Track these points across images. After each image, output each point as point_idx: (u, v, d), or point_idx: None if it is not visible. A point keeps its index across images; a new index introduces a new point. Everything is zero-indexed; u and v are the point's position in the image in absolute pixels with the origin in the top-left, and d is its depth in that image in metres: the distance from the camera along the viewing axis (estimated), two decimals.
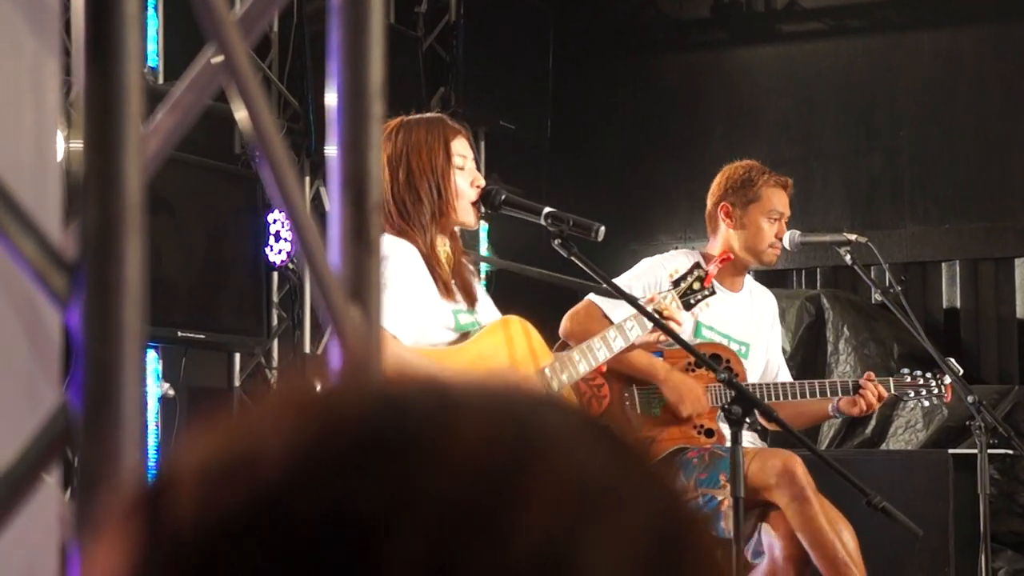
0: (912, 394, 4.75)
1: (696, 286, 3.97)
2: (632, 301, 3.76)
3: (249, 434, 0.61)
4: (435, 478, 0.58)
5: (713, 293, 4.07)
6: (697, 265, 4.02)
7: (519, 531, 0.57)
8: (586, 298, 4.40)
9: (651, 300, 3.87)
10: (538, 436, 0.61)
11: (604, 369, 4.36)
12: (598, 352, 3.82)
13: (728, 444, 4.54)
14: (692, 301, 4.00)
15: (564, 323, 4.36)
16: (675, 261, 4.67)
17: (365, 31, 1.30)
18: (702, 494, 4.29)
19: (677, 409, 4.44)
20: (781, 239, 4.70)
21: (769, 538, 4.32)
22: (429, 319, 3.51)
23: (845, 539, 4.24)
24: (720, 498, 4.26)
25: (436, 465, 0.59)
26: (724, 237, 4.71)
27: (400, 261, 3.47)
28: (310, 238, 1.22)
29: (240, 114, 1.17)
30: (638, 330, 3.85)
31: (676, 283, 3.99)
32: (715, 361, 4.58)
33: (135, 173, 1.02)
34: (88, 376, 0.98)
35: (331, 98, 1.30)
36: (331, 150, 1.31)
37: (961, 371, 4.59)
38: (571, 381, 3.78)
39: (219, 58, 1.13)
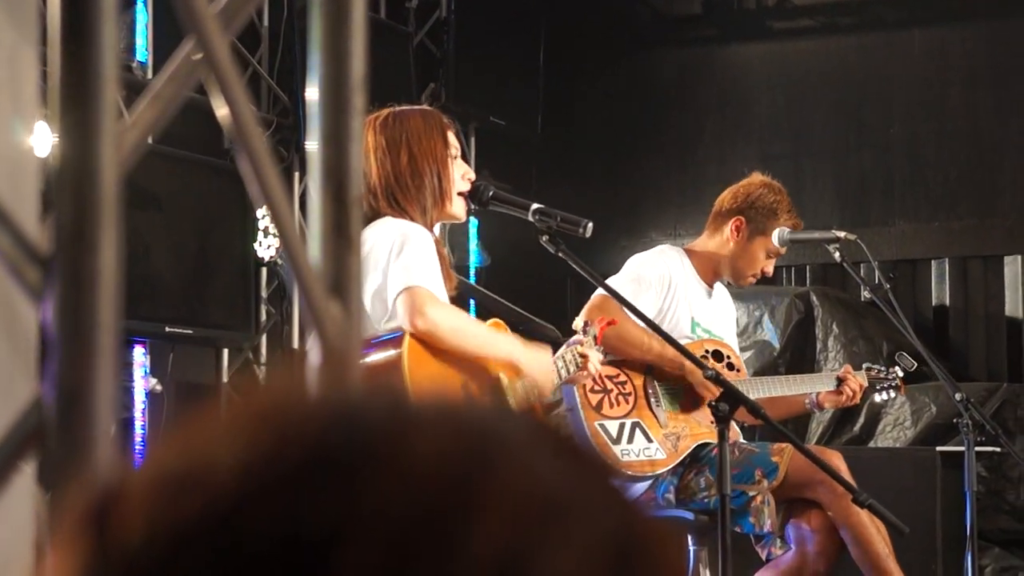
0: (877, 387, 4.88)
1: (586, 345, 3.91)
2: (617, 296, 3.77)
3: (201, 447, 0.61)
4: (387, 492, 0.58)
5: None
6: (586, 326, 3.96)
7: (473, 543, 0.57)
8: (598, 293, 4.38)
9: (581, 343, 3.85)
10: (492, 448, 0.60)
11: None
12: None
13: (750, 441, 4.59)
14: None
15: (582, 316, 4.33)
16: (670, 256, 4.68)
17: (347, 23, 1.29)
18: (732, 489, 4.30)
19: (702, 395, 4.41)
20: (765, 274, 4.73)
21: (801, 532, 4.36)
22: (439, 291, 3.53)
23: (883, 533, 4.31)
24: (753, 494, 4.29)
25: (388, 479, 0.58)
26: (719, 244, 4.70)
27: (423, 239, 3.47)
28: (290, 234, 1.21)
29: (220, 110, 1.16)
30: (574, 366, 3.81)
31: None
32: (717, 358, 4.60)
33: (111, 166, 1.01)
34: (60, 371, 0.97)
35: (312, 91, 1.30)
36: (312, 144, 1.30)
37: (940, 367, 4.62)
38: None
39: (198, 55, 1.12)
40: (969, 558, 4.47)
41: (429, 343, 3.36)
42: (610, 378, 4.45)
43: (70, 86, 1.00)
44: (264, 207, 4.59)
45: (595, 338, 3.88)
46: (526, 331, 3.99)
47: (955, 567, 5.43)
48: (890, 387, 4.91)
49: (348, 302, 1.28)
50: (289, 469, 0.59)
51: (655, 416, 4.47)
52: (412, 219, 3.54)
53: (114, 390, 0.99)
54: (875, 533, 4.28)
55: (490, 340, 3.50)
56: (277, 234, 1.20)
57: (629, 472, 4.39)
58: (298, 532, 0.57)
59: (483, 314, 4.26)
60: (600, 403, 4.41)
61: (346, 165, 1.27)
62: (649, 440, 4.42)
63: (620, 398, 4.45)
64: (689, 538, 4.55)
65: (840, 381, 4.72)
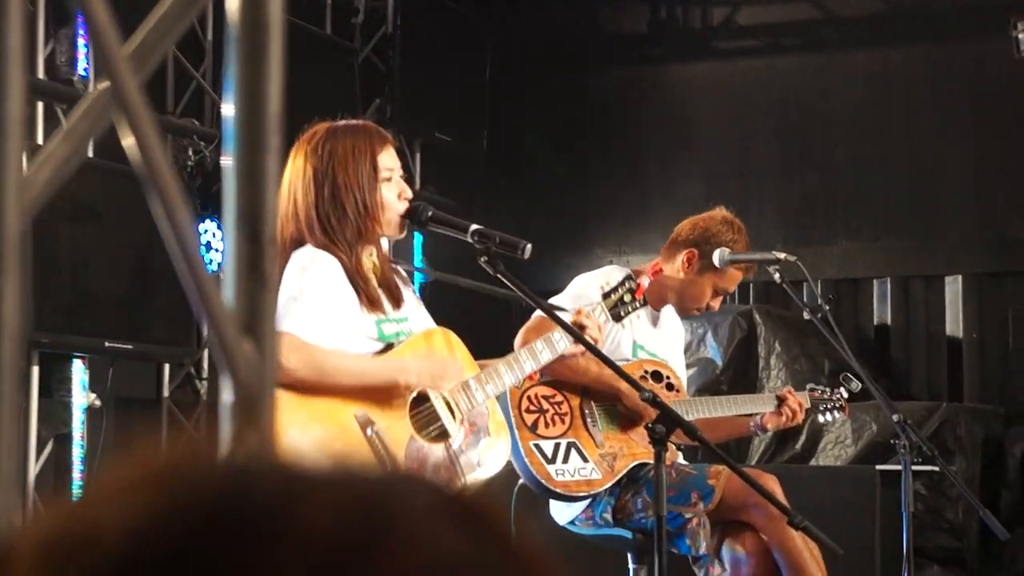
0: (821, 407, 4.88)
1: (627, 298, 3.96)
2: (556, 319, 3.76)
3: (91, 510, 0.60)
4: (282, 560, 0.57)
5: (645, 304, 4.07)
6: (629, 277, 4.01)
7: None
8: (536, 313, 4.38)
9: (578, 312, 3.86)
10: (390, 515, 0.59)
11: (536, 378, 4.36)
12: (524, 364, 3.80)
13: (693, 462, 4.59)
14: (622, 313, 3.98)
15: (519, 338, 4.34)
16: (610, 276, 4.68)
17: (263, 62, 1.29)
18: (668, 511, 4.30)
19: (641, 416, 4.43)
20: (711, 309, 4.74)
21: (735, 555, 4.36)
22: (349, 330, 3.49)
23: (816, 557, 4.32)
24: (688, 516, 4.29)
25: (284, 546, 0.57)
26: (670, 270, 4.68)
27: (318, 272, 3.45)
28: (199, 273, 1.21)
29: (127, 141, 1.15)
30: (565, 343, 3.84)
31: (607, 295, 3.98)
32: (656, 378, 4.61)
33: (13, 209, 1.00)
34: None
35: (228, 128, 1.29)
36: (227, 181, 1.29)
37: (877, 388, 4.64)
38: (496, 393, 3.76)
39: (105, 86, 1.11)
40: None
41: (304, 386, 3.35)
42: (546, 398, 4.46)
43: None
44: (215, 221, 4.52)
45: (633, 292, 3.88)
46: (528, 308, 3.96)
47: None
48: (834, 408, 4.92)
49: (261, 341, 1.28)
50: (181, 536, 0.58)
51: (591, 436, 4.47)
52: (335, 251, 3.52)
53: (16, 438, 0.98)
54: (809, 557, 4.30)
55: (362, 370, 3.45)
56: (181, 273, 1.19)
57: (564, 492, 4.39)
58: None
59: (446, 311, 4.19)
60: (535, 423, 4.42)
61: (261, 205, 1.27)
62: (585, 460, 4.43)
63: (556, 418, 4.45)
64: (629, 556, 4.56)
65: (780, 401, 4.73)
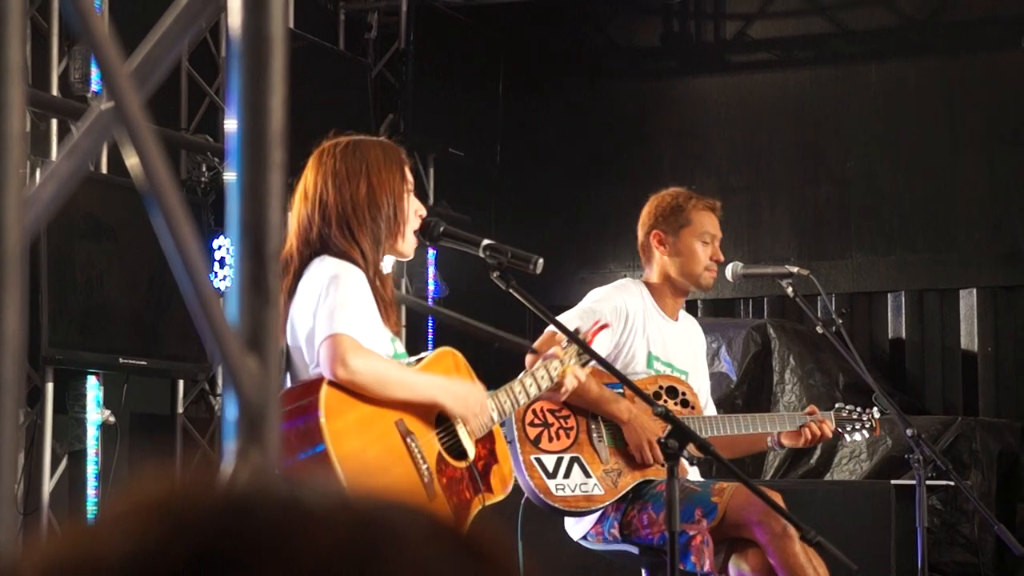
0: (848, 428, 4.79)
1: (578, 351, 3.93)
2: (568, 333, 3.76)
3: (92, 537, 0.60)
4: None
5: (590, 360, 4.00)
6: (577, 331, 3.98)
7: None
8: (548, 329, 4.37)
9: (557, 355, 3.86)
10: (385, 544, 0.60)
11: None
12: (519, 397, 3.80)
13: (692, 477, 4.57)
14: (582, 363, 3.98)
15: (529, 357, 4.33)
16: (627, 289, 4.67)
17: (266, 78, 1.29)
18: None
19: (634, 454, 4.45)
20: (717, 261, 4.69)
21: (741, 572, 4.34)
22: (376, 344, 3.50)
23: (821, 575, 4.27)
24: (693, 533, 4.27)
25: (279, 571, 0.58)
26: (660, 265, 4.71)
27: (354, 281, 3.45)
28: (204, 289, 1.21)
29: (130, 161, 1.16)
30: (548, 380, 3.83)
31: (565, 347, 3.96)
32: (672, 394, 4.59)
33: (15, 224, 1.00)
34: None
35: (232, 145, 1.29)
36: (231, 197, 1.29)
37: (892, 402, 4.60)
38: (502, 419, 3.77)
39: (109, 104, 1.11)
40: None
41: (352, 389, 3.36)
42: (552, 412, 4.45)
43: None
44: (225, 237, 4.51)
45: (586, 342, 3.87)
46: (500, 348, 3.98)
47: None
48: (864, 428, 4.83)
49: (266, 357, 1.28)
50: (179, 563, 0.58)
51: (596, 452, 4.47)
52: (362, 250, 3.51)
53: (15, 453, 0.98)
54: (813, 573, 4.27)
55: (409, 384, 3.48)
56: (185, 289, 1.19)
57: (563, 507, 4.39)
58: None
59: (451, 336, 4.22)
60: (539, 437, 4.42)
61: (264, 220, 1.27)
62: (588, 475, 4.42)
63: (561, 432, 4.45)
64: (643, 573, 4.55)
65: (803, 423, 4.64)
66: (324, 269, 3.47)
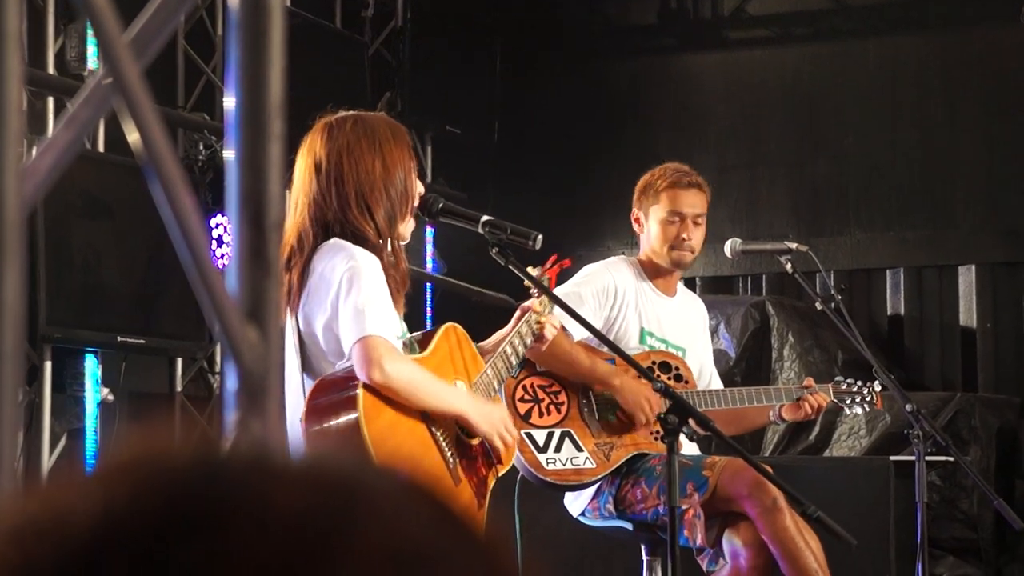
0: (848, 400, 4.79)
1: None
2: (565, 307, 3.77)
3: (61, 496, 0.60)
4: (247, 545, 0.57)
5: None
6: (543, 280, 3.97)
7: None
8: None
9: (532, 307, 3.85)
10: (356, 504, 0.60)
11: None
12: (501, 370, 3.80)
13: (688, 452, 4.57)
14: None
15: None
16: (617, 267, 4.67)
17: (265, 48, 1.28)
18: (664, 502, 4.30)
19: (634, 417, 4.45)
20: (687, 239, 4.65)
21: (734, 546, 4.34)
22: (392, 330, 3.48)
23: (814, 549, 4.28)
24: (685, 507, 4.27)
25: (249, 532, 0.58)
26: (641, 243, 4.74)
27: (373, 271, 3.42)
28: (204, 260, 1.20)
29: (132, 136, 1.15)
30: (530, 335, 3.83)
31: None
32: (665, 369, 4.59)
33: (14, 192, 1.00)
34: None
35: (230, 115, 1.28)
36: (230, 168, 1.29)
37: (891, 378, 4.61)
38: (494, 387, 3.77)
39: (108, 79, 1.11)
40: (920, 568, 4.48)
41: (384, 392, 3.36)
42: (543, 387, 4.46)
43: None
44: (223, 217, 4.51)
45: (548, 283, 3.88)
46: (480, 303, 3.98)
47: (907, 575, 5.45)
48: (865, 401, 4.82)
49: (266, 328, 1.27)
50: (148, 520, 0.58)
51: (587, 426, 4.48)
52: (377, 226, 3.47)
53: (16, 421, 0.98)
54: (804, 546, 4.26)
55: (442, 395, 3.46)
56: (185, 261, 1.18)
57: (555, 480, 4.40)
58: None
59: (438, 298, 4.21)
60: (529, 412, 4.44)
61: (263, 190, 1.26)
62: (579, 449, 4.43)
63: (552, 407, 4.46)
64: (643, 548, 4.55)
65: (799, 396, 4.64)
66: (341, 258, 3.40)
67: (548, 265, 3.94)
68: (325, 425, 3.32)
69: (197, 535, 0.57)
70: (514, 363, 3.80)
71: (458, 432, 3.54)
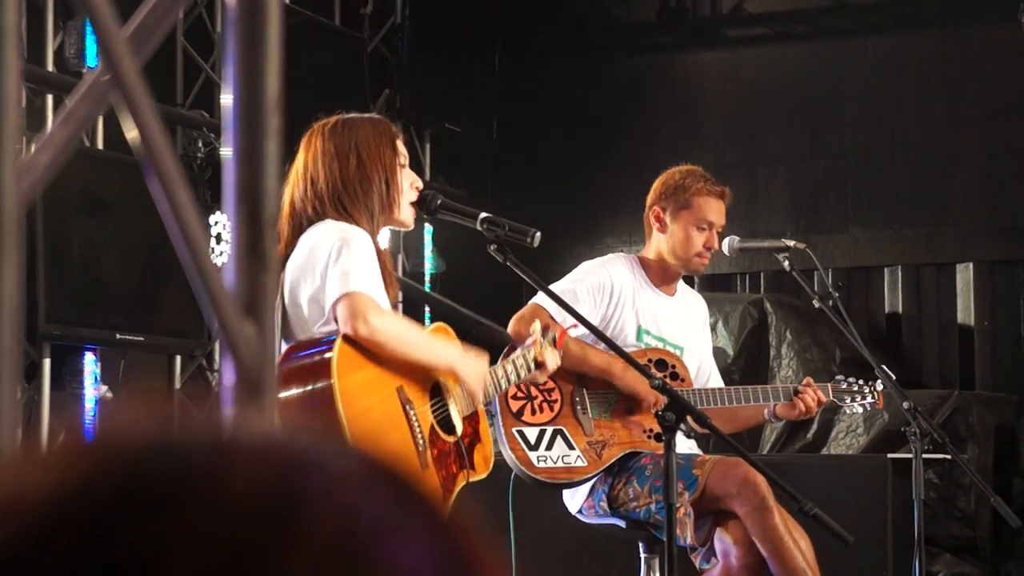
0: (848, 399, 4.78)
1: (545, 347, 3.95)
2: (562, 303, 3.78)
3: (11, 478, 0.60)
4: (200, 526, 0.57)
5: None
6: (547, 328, 4.00)
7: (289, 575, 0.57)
8: (532, 301, 4.40)
9: (534, 343, 3.87)
10: (312, 485, 0.60)
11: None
12: (505, 380, 3.82)
13: (680, 451, 4.56)
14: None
15: (511, 325, 4.36)
16: (614, 264, 4.67)
17: (262, 43, 1.29)
18: (656, 500, 4.30)
19: (643, 400, 4.42)
20: (711, 249, 4.66)
21: (724, 545, 4.34)
22: (379, 293, 3.53)
23: (803, 548, 4.27)
24: (676, 506, 4.28)
25: (202, 513, 0.58)
26: (655, 241, 4.70)
27: (363, 242, 3.47)
28: (201, 255, 1.21)
29: (131, 134, 1.15)
30: (526, 369, 3.85)
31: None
32: (661, 367, 4.58)
33: (12, 188, 1.00)
34: None
35: (228, 110, 1.29)
36: (228, 163, 1.29)
37: (894, 377, 4.61)
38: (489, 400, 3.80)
39: (106, 76, 1.11)
40: (917, 565, 4.49)
41: (364, 348, 3.37)
42: (536, 385, 4.46)
43: None
44: (219, 214, 4.53)
45: (554, 342, 3.91)
46: (478, 335, 4.00)
47: (905, 573, 5.45)
48: (865, 400, 4.80)
49: (262, 323, 1.28)
50: (99, 501, 0.58)
51: (580, 424, 4.48)
52: (358, 224, 3.54)
53: (14, 418, 0.99)
54: (792, 546, 4.25)
55: (430, 347, 3.51)
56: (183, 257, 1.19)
57: (546, 479, 4.40)
58: (106, 564, 0.56)
59: (435, 320, 4.26)
60: (521, 410, 4.44)
61: (260, 185, 1.27)
62: (571, 447, 4.43)
63: (544, 405, 4.46)
64: (640, 545, 4.56)
65: (795, 393, 4.63)
66: (332, 230, 3.49)
67: (558, 330, 4.00)
68: (297, 379, 3.33)
69: (148, 516, 0.57)
70: (503, 387, 3.81)
71: (434, 424, 3.55)
